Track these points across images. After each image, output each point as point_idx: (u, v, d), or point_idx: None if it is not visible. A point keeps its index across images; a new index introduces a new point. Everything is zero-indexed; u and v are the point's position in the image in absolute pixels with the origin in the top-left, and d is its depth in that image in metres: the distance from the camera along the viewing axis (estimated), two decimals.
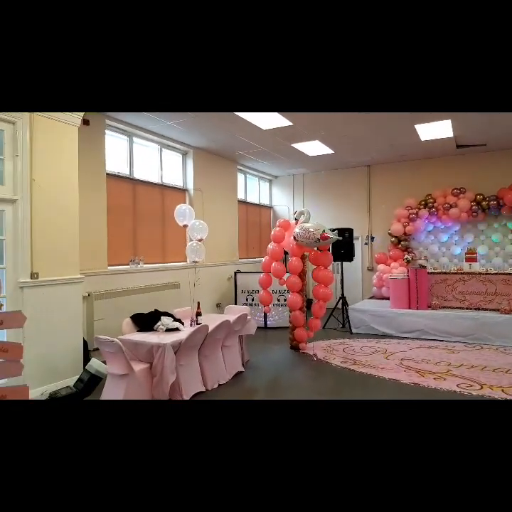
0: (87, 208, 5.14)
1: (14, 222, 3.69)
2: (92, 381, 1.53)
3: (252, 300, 7.61)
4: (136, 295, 5.82)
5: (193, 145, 7.14)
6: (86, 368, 1.56)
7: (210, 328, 4.36)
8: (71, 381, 4.14)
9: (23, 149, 3.69)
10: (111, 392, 3.80)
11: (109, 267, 5.58)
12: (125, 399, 3.65)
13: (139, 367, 3.86)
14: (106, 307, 5.33)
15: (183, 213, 4.82)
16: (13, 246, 3.69)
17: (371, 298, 8.14)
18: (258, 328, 7.22)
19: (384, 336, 6.62)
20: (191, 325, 4.65)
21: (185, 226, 4.84)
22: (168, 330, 4.39)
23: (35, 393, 3.77)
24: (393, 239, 8.32)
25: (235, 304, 7.61)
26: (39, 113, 3.78)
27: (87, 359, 4.52)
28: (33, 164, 3.78)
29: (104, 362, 3.89)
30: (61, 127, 4.05)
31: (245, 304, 7.44)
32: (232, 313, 5.34)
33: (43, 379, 3.86)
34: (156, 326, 4.43)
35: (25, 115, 3.68)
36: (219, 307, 7.78)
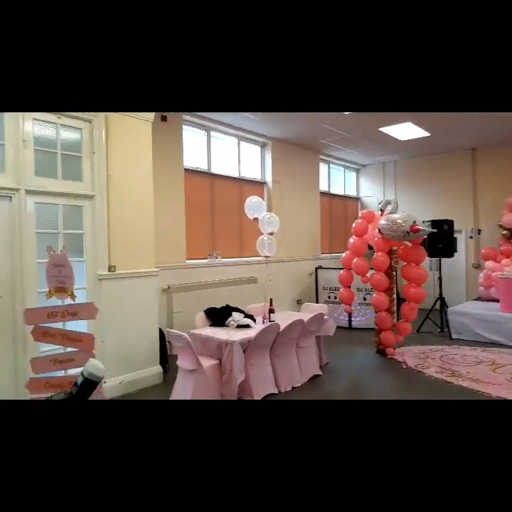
0: (166, 203, 5.24)
1: (92, 217, 3.84)
2: (86, 385, 1.40)
3: (335, 298, 7.16)
4: (214, 289, 5.82)
5: (271, 136, 6.93)
6: (82, 371, 1.45)
7: (282, 327, 4.11)
8: (148, 372, 4.23)
9: (99, 146, 3.82)
10: (180, 387, 3.78)
11: (187, 261, 5.65)
12: (193, 397, 3.59)
13: (208, 363, 3.76)
14: (184, 300, 5.40)
15: (254, 206, 4.62)
16: (91, 240, 3.85)
17: (477, 299, 7.09)
18: (342, 328, 6.82)
19: (492, 344, 5.68)
20: (263, 322, 4.45)
21: (255, 219, 4.64)
22: (239, 326, 4.25)
23: (114, 382, 3.91)
24: (505, 232, 7.15)
25: (317, 301, 7.24)
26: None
27: (164, 350, 4.60)
28: (109, 161, 3.90)
29: (176, 357, 3.88)
30: (135, 123, 4.12)
31: (327, 302, 7.03)
32: (309, 311, 5.01)
33: (120, 369, 3.98)
34: (227, 321, 4.32)
35: (101, 113, 3.80)
36: (299, 304, 7.48)
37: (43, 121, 3.49)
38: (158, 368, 4.38)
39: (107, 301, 3.88)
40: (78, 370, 3.40)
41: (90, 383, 1.43)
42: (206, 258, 6.03)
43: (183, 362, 3.73)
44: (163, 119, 5.19)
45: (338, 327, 5.25)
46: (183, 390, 3.71)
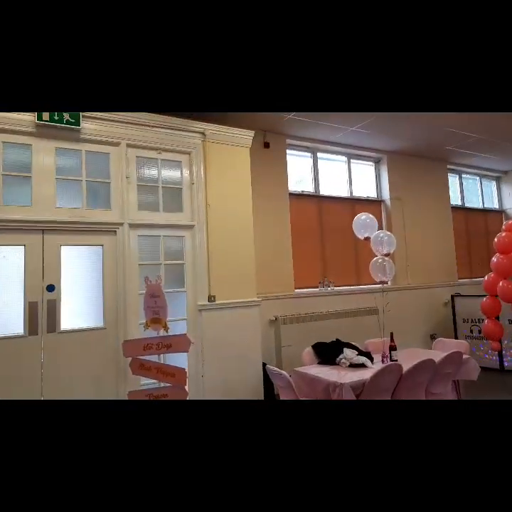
0: (270, 230, 5.03)
1: (193, 247, 3.81)
2: None
3: (479, 332, 5.89)
4: (327, 321, 5.29)
5: (386, 149, 6.27)
6: None
7: (406, 368, 3.36)
8: None
9: (197, 177, 3.83)
10: None
11: (296, 290, 5.28)
12: None
13: None
14: (294, 333, 5.00)
15: (364, 224, 4.05)
16: (192, 270, 3.80)
17: None
18: (489, 370, 5.52)
19: None
20: (383, 361, 3.75)
21: (366, 239, 4.05)
22: (352, 365, 3.64)
23: None
24: None
25: (455, 336, 6.06)
26: (211, 139, 3.89)
27: (269, 386, 4.23)
28: (207, 190, 3.87)
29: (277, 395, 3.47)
30: (233, 151, 4.06)
31: (469, 337, 5.82)
32: (443, 348, 4.10)
33: None
34: (338, 358, 3.75)
35: (199, 144, 3.83)
36: (433, 339, 6.36)
37: (145, 157, 3.65)
38: None
39: (207, 333, 3.73)
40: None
41: None
42: (317, 287, 5.57)
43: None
44: (266, 145, 5.08)
45: (483, 369, 4.17)
46: None
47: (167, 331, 3.04)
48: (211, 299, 3.81)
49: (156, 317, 3.08)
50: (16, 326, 3.02)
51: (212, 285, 3.83)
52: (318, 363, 3.86)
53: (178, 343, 3.05)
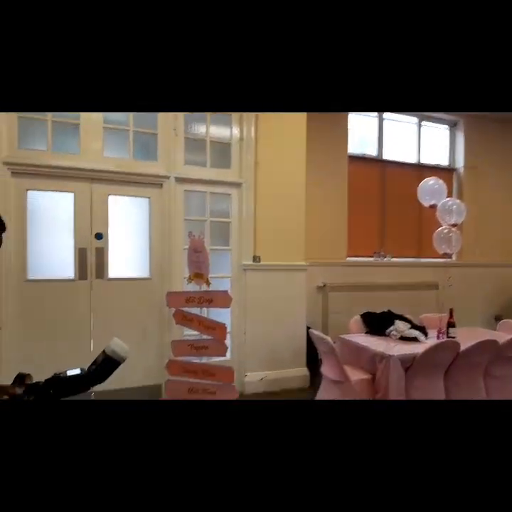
0: (325, 193, 4.76)
1: (239, 205, 3.69)
2: (107, 364, 1.07)
3: None
4: (380, 292, 5.00)
5: (464, 113, 5.60)
6: (104, 348, 1.13)
7: (464, 347, 3.06)
8: (293, 372, 3.83)
9: (247, 133, 3.67)
10: (325, 397, 3.22)
11: (347, 258, 5.02)
12: None
13: (357, 376, 3.08)
14: (342, 301, 4.79)
15: (431, 190, 3.65)
16: (237, 229, 3.69)
17: None
18: None
19: None
20: (438, 337, 3.45)
21: (432, 207, 3.66)
22: (403, 338, 3.39)
23: (254, 377, 3.66)
24: None
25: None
26: None
27: (314, 351, 4.10)
28: (257, 147, 3.70)
29: (321, 362, 3.33)
30: None
31: None
32: (509, 330, 3.70)
33: (262, 365, 3.70)
34: (388, 330, 3.51)
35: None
36: (498, 321, 5.81)
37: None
38: (305, 371, 3.92)
39: (251, 292, 3.66)
40: (212, 359, 3.27)
41: (112, 362, 1.14)
42: (372, 256, 5.25)
43: (327, 370, 3.17)
44: None
45: None
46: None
47: (208, 286, 2.99)
48: (256, 259, 3.70)
49: (198, 272, 3.03)
50: (67, 270, 3.14)
51: (257, 246, 3.71)
52: (366, 333, 3.66)
53: (219, 299, 2.99)
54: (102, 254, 3.22)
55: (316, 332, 3.22)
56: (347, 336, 3.49)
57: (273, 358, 3.76)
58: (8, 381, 1.18)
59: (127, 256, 3.37)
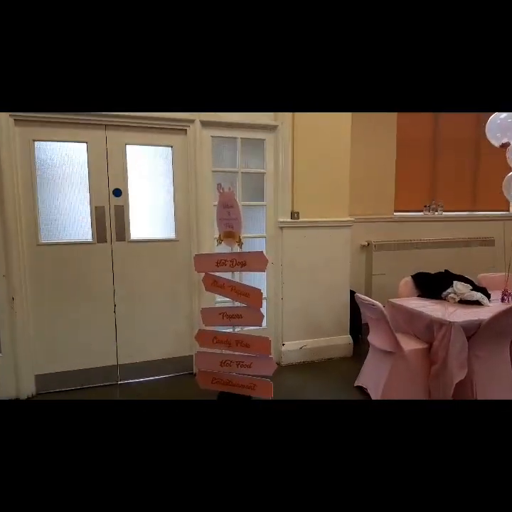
0: (370, 140, 4.19)
1: (275, 153, 3.24)
2: None
3: None
4: (430, 250, 4.51)
5: None
6: None
7: None
8: (335, 341, 3.51)
9: None
10: (371, 369, 2.89)
11: (395, 213, 4.51)
12: (388, 386, 2.65)
13: (411, 346, 2.72)
14: (388, 261, 4.35)
15: (503, 125, 3.04)
16: (273, 181, 3.27)
17: None
18: None
19: None
20: (503, 300, 3.00)
21: (504, 146, 3.06)
22: (463, 302, 2.96)
23: (294, 346, 3.37)
24: None
25: None
26: None
27: (357, 318, 3.75)
28: None
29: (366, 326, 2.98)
30: None
31: None
32: None
33: (301, 333, 3.39)
34: (445, 293, 3.08)
35: None
36: None
37: None
38: (348, 339, 3.58)
39: (288, 253, 3.29)
40: (246, 328, 2.98)
41: None
42: (422, 210, 4.70)
43: (375, 338, 2.81)
44: None
45: None
46: (375, 374, 2.82)
47: (241, 247, 2.63)
48: (294, 215, 3.29)
49: (229, 230, 2.66)
50: (84, 231, 2.85)
51: (296, 200, 3.28)
52: (419, 296, 3.24)
53: (253, 261, 2.64)
54: (121, 213, 2.91)
55: (362, 296, 2.83)
56: (397, 300, 3.09)
57: (313, 325, 3.43)
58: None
59: (150, 215, 3.04)
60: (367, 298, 2.76)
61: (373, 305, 2.64)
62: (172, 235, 3.07)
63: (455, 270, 3.45)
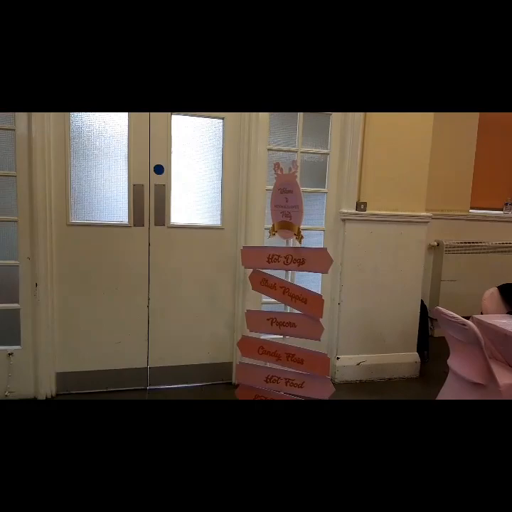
0: (445, 123, 3.57)
1: (341, 130, 2.72)
2: None
3: None
4: (507, 255, 3.85)
5: None
6: None
7: None
8: (399, 358, 2.99)
9: None
10: (451, 398, 2.36)
11: (471, 210, 3.88)
12: None
13: (508, 379, 2.16)
14: (461, 264, 3.76)
15: None
16: (338, 165, 2.76)
17: None
18: None
19: None
20: None
21: None
22: None
23: (350, 362, 2.88)
24: None
25: None
26: None
27: (424, 332, 3.20)
28: None
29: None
30: None
31: None
32: None
33: (359, 346, 2.90)
34: None
35: None
36: None
37: None
38: (415, 356, 3.05)
39: (350, 250, 2.79)
40: (299, 340, 2.53)
41: None
42: (502, 209, 4.03)
43: (460, 365, 2.27)
44: None
45: None
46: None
47: (301, 242, 2.16)
48: (360, 206, 2.77)
49: (286, 221, 2.20)
50: (120, 212, 2.48)
51: (363, 189, 2.77)
52: (509, 313, 2.65)
53: (314, 260, 2.16)
54: (162, 194, 2.51)
55: (446, 311, 2.29)
56: (485, 317, 2.52)
57: (374, 338, 2.93)
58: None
59: (194, 197, 2.63)
60: (455, 315, 2.22)
61: (464, 325, 2.10)
62: (217, 222, 2.65)
63: None
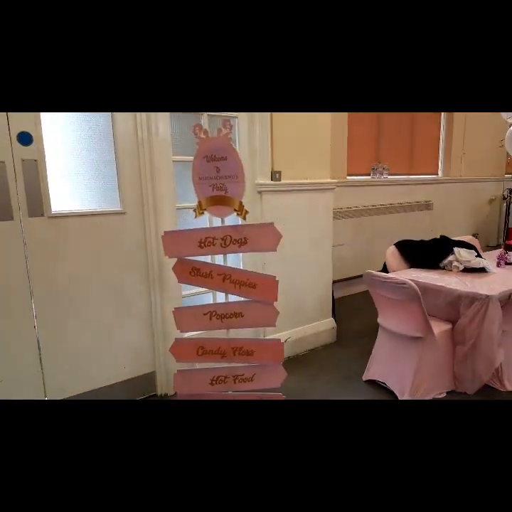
0: None
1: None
2: None
3: None
4: (378, 216, 4.26)
5: None
6: None
7: None
8: (319, 327, 2.96)
9: None
10: (389, 359, 2.43)
11: (348, 177, 4.11)
12: (418, 376, 2.22)
13: (438, 328, 2.31)
14: (345, 229, 3.96)
15: None
16: (247, 130, 2.46)
17: None
18: None
19: None
20: (499, 264, 2.81)
21: None
22: (467, 270, 2.67)
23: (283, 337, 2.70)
24: None
25: (506, 237, 5.28)
26: None
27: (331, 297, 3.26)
28: None
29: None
30: None
31: None
32: None
33: (286, 322, 2.75)
34: (445, 261, 2.76)
35: None
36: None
37: None
38: (332, 322, 3.08)
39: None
40: (249, 331, 2.23)
41: None
42: (369, 174, 4.39)
43: (397, 323, 2.34)
44: None
45: None
46: (395, 366, 2.36)
47: (245, 218, 1.82)
48: (275, 175, 2.56)
49: (219, 195, 1.82)
50: None
51: (276, 157, 2.55)
52: (411, 267, 2.88)
53: (258, 238, 1.85)
54: (34, 172, 1.79)
55: (381, 273, 2.31)
56: (396, 274, 2.65)
57: (297, 311, 2.83)
58: None
59: (80, 176, 1.98)
60: (393, 276, 2.25)
61: (404, 283, 2.13)
62: (116, 206, 2.07)
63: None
